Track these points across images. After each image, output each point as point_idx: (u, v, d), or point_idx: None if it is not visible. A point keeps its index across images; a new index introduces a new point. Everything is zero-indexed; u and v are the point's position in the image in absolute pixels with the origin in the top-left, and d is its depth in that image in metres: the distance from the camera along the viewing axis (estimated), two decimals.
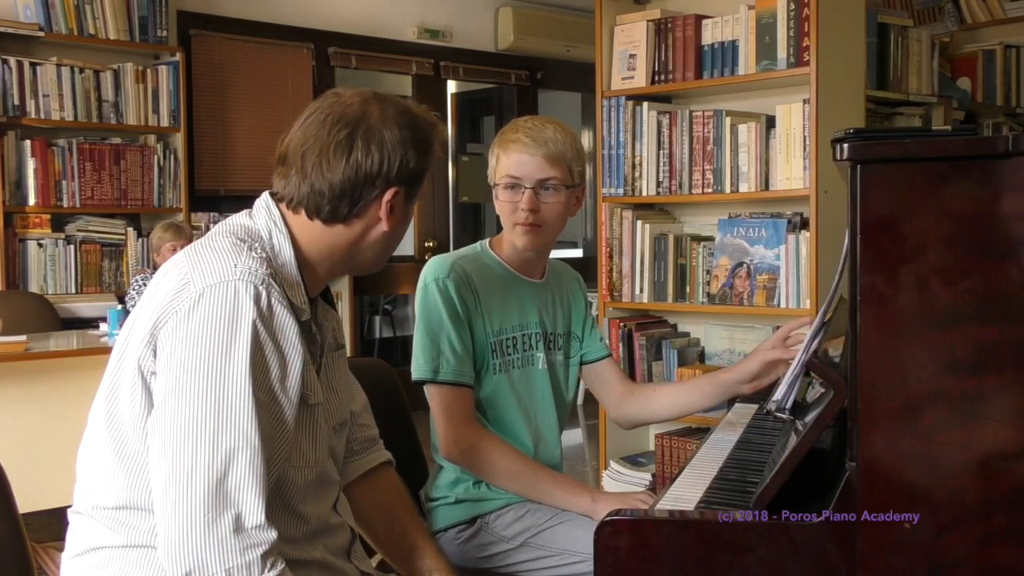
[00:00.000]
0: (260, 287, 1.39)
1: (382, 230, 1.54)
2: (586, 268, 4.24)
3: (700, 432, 3.72)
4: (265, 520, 1.36)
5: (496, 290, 2.11)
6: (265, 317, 1.38)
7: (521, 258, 2.15)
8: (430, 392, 2.05)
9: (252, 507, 1.35)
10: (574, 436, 5.85)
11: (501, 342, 2.10)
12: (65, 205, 5.04)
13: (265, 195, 1.57)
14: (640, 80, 3.90)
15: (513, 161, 2.06)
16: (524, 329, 2.14)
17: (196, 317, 1.36)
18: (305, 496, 1.52)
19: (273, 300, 1.40)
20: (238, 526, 1.34)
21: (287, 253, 1.50)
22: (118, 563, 1.45)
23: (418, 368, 2.05)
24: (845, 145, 1.40)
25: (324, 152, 1.49)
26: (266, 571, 1.35)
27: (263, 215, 1.54)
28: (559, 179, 2.06)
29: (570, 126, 2.18)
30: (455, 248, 6.83)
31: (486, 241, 2.19)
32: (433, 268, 2.07)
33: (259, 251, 1.45)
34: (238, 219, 1.55)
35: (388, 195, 1.51)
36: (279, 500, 1.48)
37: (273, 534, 1.37)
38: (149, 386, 1.39)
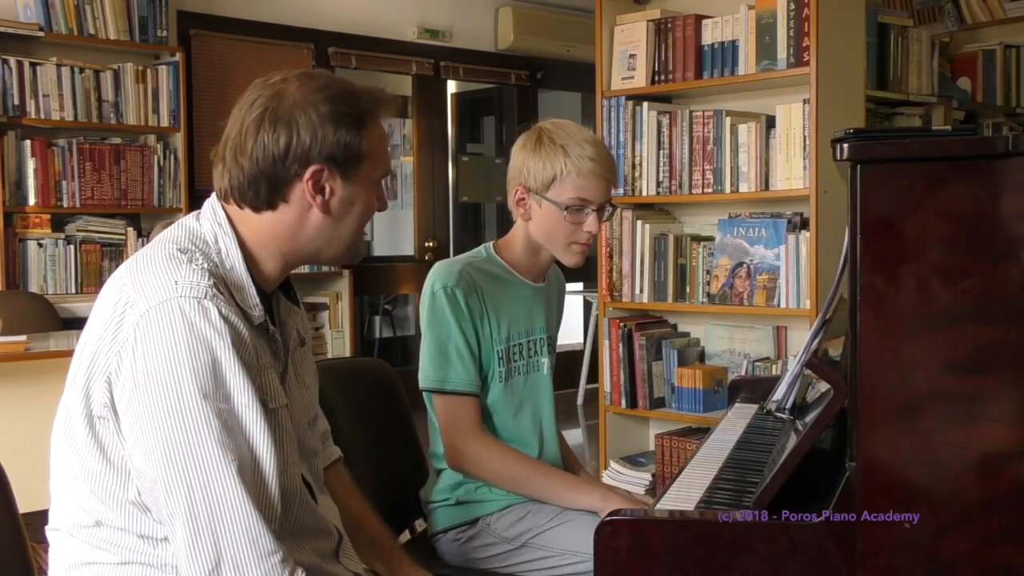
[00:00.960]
0: (205, 301, 1.34)
1: (318, 215, 1.46)
2: (586, 268, 4.26)
3: (700, 432, 3.72)
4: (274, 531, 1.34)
5: (504, 296, 2.10)
6: (217, 330, 1.33)
7: (528, 262, 2.14)
8: (437, 402, 2.04)
9: (258, 523, 1.32)
10: (574, 436, 5.85)
11: (508, 348, 2.10)
12: (65, 205, 5.04)
13: (211, 197, 1.52)
14: (640, 80, 3.90)
15: (588, 184, 2.02)
16: (531, 335, 2.14)
17: (144, 343, 1.31)
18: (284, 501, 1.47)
19: (222, 311, 1.34)
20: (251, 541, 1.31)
21: (235, 255, 1.45)
22: None
23: (426, 378, 2.04)
24: (845, 145, 1.40)
25: (237, 137, 1.45)
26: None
27: (209, 218, 1.48)
28: (610, 199, 2.10)
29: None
30: (455, 248, 6.85)
31: (490, 244, 2.17)
32: (441, 275, 2.04)
33: (200, 261, 1.40)
34: (186, 222, 1.50)
35: (307, 174, 1.42)
36: None
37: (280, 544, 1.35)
38: (105, 417, 1.35)
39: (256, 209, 1.46)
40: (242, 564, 1.31)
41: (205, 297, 1.34)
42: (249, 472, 1.33)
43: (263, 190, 1.44)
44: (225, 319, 1.34)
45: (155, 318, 1.32)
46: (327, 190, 1.45)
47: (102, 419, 1.36)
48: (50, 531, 1.49)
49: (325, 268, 5.50)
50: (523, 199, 2.07)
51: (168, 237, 1.48)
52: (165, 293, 1.34)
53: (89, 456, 1.38)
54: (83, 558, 1.43)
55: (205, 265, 1.40)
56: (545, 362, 2.17)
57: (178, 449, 1.30)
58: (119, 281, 1.41)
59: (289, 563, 1.34)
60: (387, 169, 1.52)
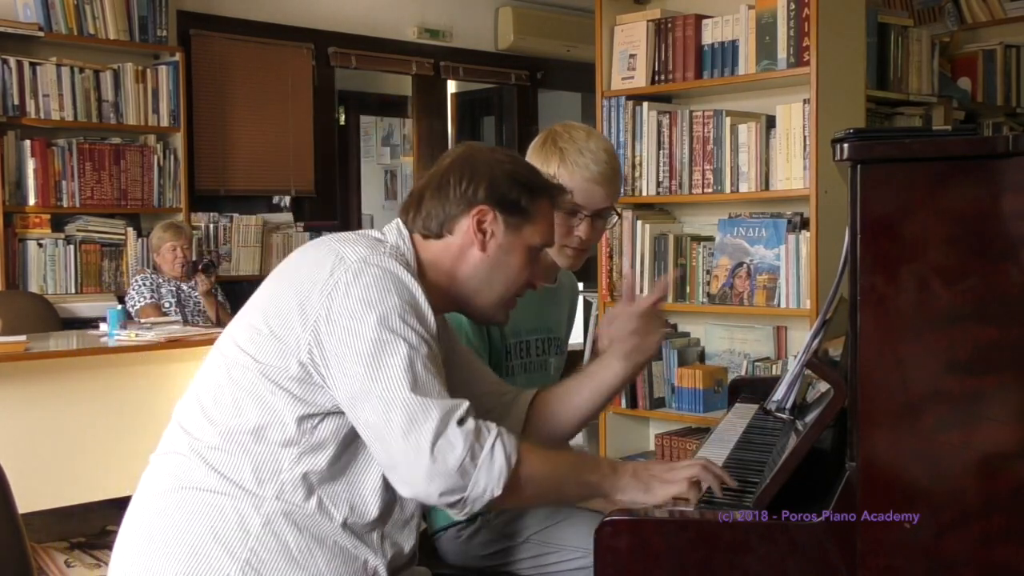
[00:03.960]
0: (408, 268, 1.54)
1: (476, 253, 1.64)
2: (586, 268, 4.25)
3: (700, 432, 3.72)
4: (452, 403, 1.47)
5: None
6: (417, 284, 1.52)
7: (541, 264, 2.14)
8: None
9: (443, 407, 1.45)
10: (574, 437, 5.84)
11: (517, 345, 2.10)
12: (65, 205, 5.04)
13: (396, 219, 1.70)
14: (640, 80, 3.90)
15: (579, 188, 2.01)
16: (539, 334, 2.15)
17: (356, 283, 1.48)
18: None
19: (417, 280, 1.54)
20: (443, 430, 1.43)
21: (411, 261, 1.62)
22: (195, 507, 1.49)
23: None
24: (845, 145, 1.40)
25: (430, 180, 1.67)
26: (489, 435, 1.46)
27: (394, 232, 1.67)
28: (611, 207, 2.07)
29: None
30: None
31: None
32: None
33: (393, 248, 1.60)
34: (369, 232, 1.68)
35: (475, 211, 1.62)
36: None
37: (462, 404, 1.47)
38: (311, 349, 1.48)
39: (426, 236, 1.66)
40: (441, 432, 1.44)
41: (405, 265, 1.55)
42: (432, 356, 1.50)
43: (435, 219, 1.64)
44: (418, 282, 1.53)
45: (365, 267, 1.50)
46: (488, 232, 1.64)
47: (287, 352, 1.49)
48: (157, 456, 1.60)
49: None
50: None
51: (348, 233, 1.66)
52: (374, 252, 1.54)
53: (251, 376, 1.52)
54: (180, 481, 1.52)
55: (394, 249, 1.60)
56: (552, 362, 2.18)
57: (379, 364, 1.45)
58: (323, 245, 1.58)
59: (471, 418, 1.47)
60: (548, 241, 1.71)
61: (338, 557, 1.51)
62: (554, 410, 1.86)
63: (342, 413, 1.50)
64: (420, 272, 1.62)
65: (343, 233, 1.66)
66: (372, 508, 1.54)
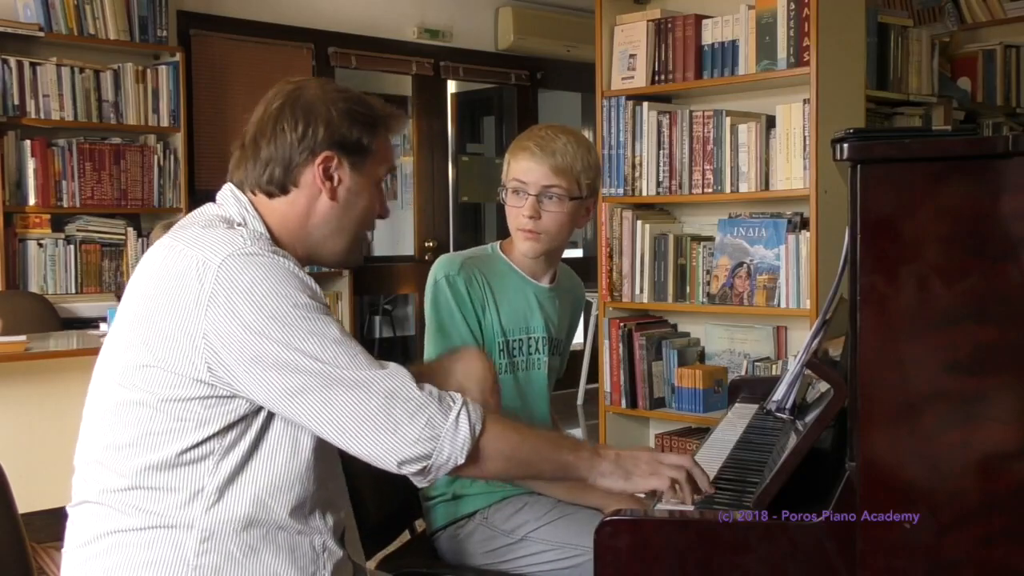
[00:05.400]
0: (270, 247, 1.45)
1: (326, 201, 1.55)
2: (586, 268, 4.25)
3: (700, 432, 3.72)
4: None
5: (505, 291, 2.11)
6: (291, 261, 1.45)
7: (531, 262, 2.15)
8: None
9: (394, 379, 1.42)
10: (574, 436, 5.85)
11: (508, 343, 2.10)
12: (65, 205, 5.03)
13: (227, 185, 1.59)
14: (640, 80, 3.90)
15: (521, 167, 2.07)
16: (530, 332, 2.15)
17: (231, 287, 1.40)
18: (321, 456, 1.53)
19: (287, 255, 1.46)
20: (395, 399, 1.41)
21: (266, 234, 1.54)
22: (128, 548, 1.45)
23: None
24: (845, 145, 1.40)
25: (257, 125, 1.55)
26: (454, 405, 1.44)
27: (232, 203, 1.56)
28: (563, 189, 2.06)
29: (586, 138, 2.18)
30: (455, 248, 6.85)
31: (497, 243, 2.20)
32: (443, 265, 2.08)
33: (246, 230, 1.50)
34: (208, 210, 1.57)
35: (319, 159, 1.53)
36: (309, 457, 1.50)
37: (403, 374, 1.44)
38: (210, 366, 1.41)
39: (270, 195, 1.55)
40: (405, 417, 1.41)
41: (269, 246, 1.46)
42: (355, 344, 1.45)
43: (277, 173, 1.53)
44: (291, 259, 1.46)
45: (233, 264, 1.41)
46: (336, 178, 1.55)
47: (184, 376, 1.41)
48: (74, 507, 1.53)
49: (325, 269, 5.50)
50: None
51: (189, 222, 1.54)
52: (234, 246, 1.43)
53: (150, 413, 1.43)
54: (100, 529, 1.47)
55: (248, 230, 1.50)
56: (544, 361, 2.17)
57: (298, 362, 1.39)
58: (175, 253, 1.46)
59: (423, 385, 1.44)
60: (391, 167, 1.62)
61: (285, 548, 1.47)
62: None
63: (253, 412, 1.45)
64: (272, 237, 1.54)
65: (187, 225, 1.53)
66: (305, 487, 1.49)
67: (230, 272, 1.40)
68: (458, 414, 1.43)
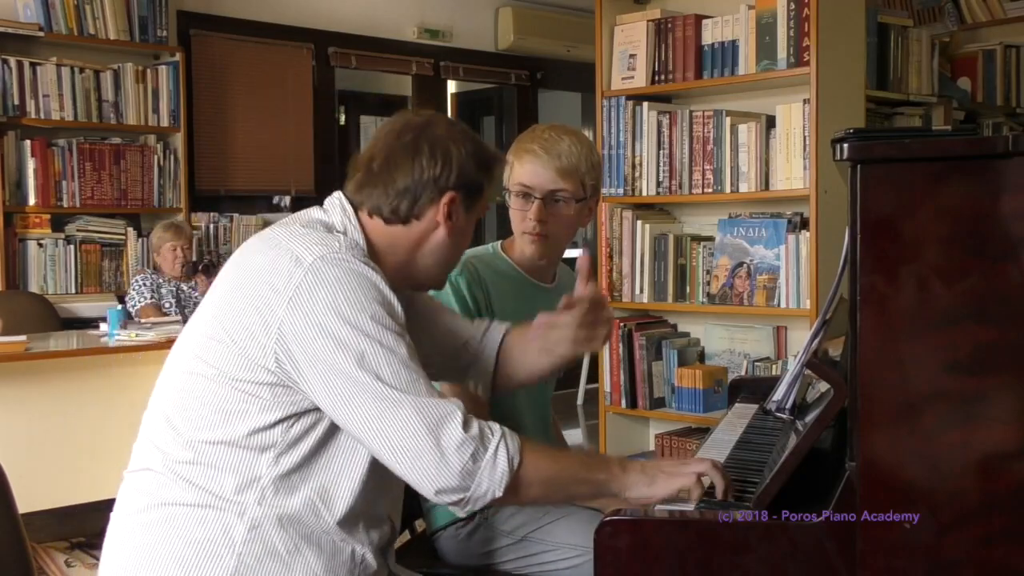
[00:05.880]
0: (363, 259, 1.49)
1: (441, 235, 1.60)
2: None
3: (700, 432, 3.72)
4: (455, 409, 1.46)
5: (507, 292, 2.11)
6: (379, 276, 1.49)
7: (533, 262, 2.15)
8: (444, 389, 2.04)
9: (445, 410, 1.45)
10: (574, 436, 5.85)
11: None
12: (65, 205, 5.04)
13: (338, 193, 1.64)
14: (640, 80, 3.90)
15: (526, 171, 2.07)
16: None
17: (317, 287, 1.43)
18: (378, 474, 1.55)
19: (378, 270, 1.50)
20: (443, 430, 1.43)
21: (363, 247, 1.57)
22: (178, 522, 1.48)
23: None
24: (845, 145, 1.40)
25: (391, 155, 1.59)
26: (493, 438, 1.46)
27: (338, 212, 1.60)
28: (569, 192, 2.07)
29: (587, 137, 2.18)
30: None
31: (498, 243, 2.20)
32: None
33: (344, 237, 1.55)
34: (312, 213, 1.62)
35: (446, 198, 1.58)
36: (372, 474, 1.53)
37: (456, 407, 1.46)
38: (278, 356, 1.44)
39: (389, 222, 1.60)
40: (445, 435, 1.43)
41: (361, 256, 1.51)
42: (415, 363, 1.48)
43: (404, 206, 1.58)
44: (379, 273, 1.50)
45: (324, 267, 1.45)
46: (455, 216, 1.61)
47: (253, 361, 1.45)
48: (130, 472, 1.57)
49: None
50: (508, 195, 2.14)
51: (292, 220, 1.60)
52: (329, 248, 1.47)
53: (217, 388, 1.48)
54: (159, 498, 1.50)
55: (345, 238, 1.55)
56: None
57: (360, 373, 1.42)
58: (273, 243, 1.51)
59: (472, 419, 1.46)
60: (487, 209, 1.71)
61: (327, 551, 1.50)
62: (531, 350, 1.85)
63: (317, 410, 1.48)
64: (371, 251, 1.58)
65: (289, 223, 1.59)
66: (357, 499, 1.52)
67: (319, 273, 1.44)
68: (496, 447, 1.45)
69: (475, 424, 1.46)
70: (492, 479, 1.44)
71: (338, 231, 1.57)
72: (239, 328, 1.46)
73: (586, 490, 1.60)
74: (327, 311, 1.42)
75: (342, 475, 1.51)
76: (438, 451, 1.42)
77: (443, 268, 1.67)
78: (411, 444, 1.42)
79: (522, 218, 2.09)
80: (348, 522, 1.52)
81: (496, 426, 1.48)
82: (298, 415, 1.48)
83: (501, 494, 1.45)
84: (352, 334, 1.42)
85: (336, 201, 1.62)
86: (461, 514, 1.49)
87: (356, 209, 1.60)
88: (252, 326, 1.45)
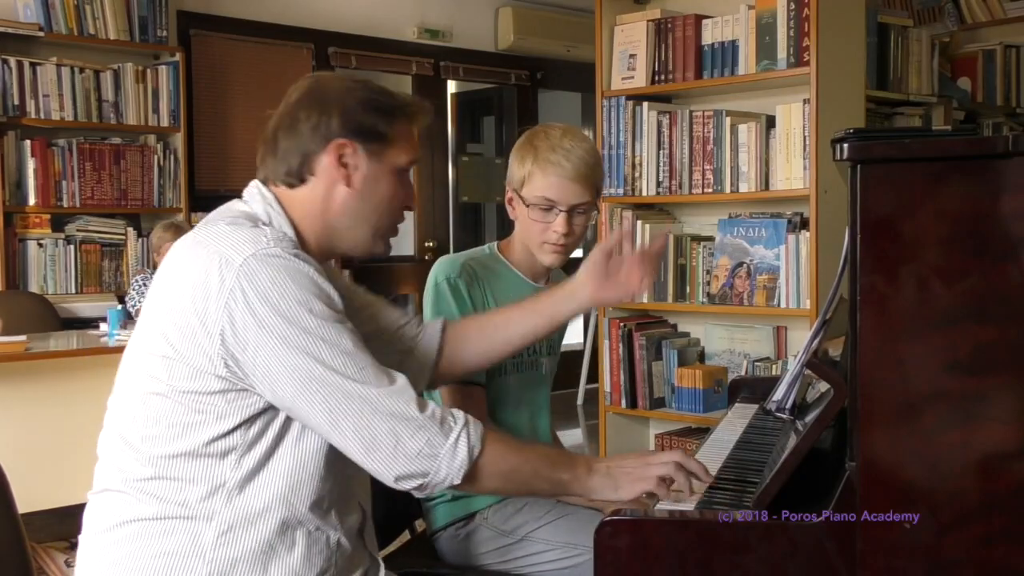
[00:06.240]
0: (293, 250, 1.46)
1: (343, 189, 1.56)
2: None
3: (700, 432, 3.72)
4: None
5: (505, 293, 2.11)
6: (312, 267, 1.46)
7: (530, 264, 2.15)
8: (443, 392, 2.04)
9: (397, 396, 1.44)
10: (574, 436, 5.85)
11: None
12: (65, 205, 5.04)
13: (254, 181, 1.61)
14: (640, 80, 3.90)
15: (551, 183, 2.03)
16: None
17: (252, 287, 1.41)
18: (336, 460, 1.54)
19: (308, 259, 1.47)
20: (398, 416, 1.43)
21: (289, 232, 1.55)
22: (146, 536, 1.46)
23: None
24: (845, 145, 1.40)
25: (279, 121, 1.58)
26: (455, 426, 1.46)
27: (258, 199, 1.58)
28: (590, 203, 2.07)
29: (590, 138, 2.18)
30: (455, 248, 6.85)
31: (494, 244, 2.19)
32: (444, 267, 2.07)
33: (265, 230, 1.51)
34: (234, 206, 1.59)
35: (332, 146, 1.54)
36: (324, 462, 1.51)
37: (408, 392, 1.46)
38: (210, 367, 1.43)
39: (290, 185, 1.57)
40: (405, 435, 1.43)
41: (291, 248, 1.47)
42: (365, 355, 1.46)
43: (294, 164, 1.56)
44: (311, 264, 1.47)
45: (255, 264, 1.42)
46: (351, 164, 1.56)
47: (202, 371, 1.43)
48: (95, 493, 1.55)
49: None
50: (511, 199, 2.11)
51: (216, 218, 1.56)
52: (257, 245, 1.44)
53: (171, 404, 1.46)
54: (121, 516, 1.49)
55: (272, 230, 1.51)
56: (544, 362, 2.18)
57: (309, 367, 1.41)
58: (196, 249, 1.49)
59: (426, 404, 1.46)
60: (413, 158, 1.63)
61: (301, 543, 1.49)
62: (480, 339, 1.83)
63: (272, 408, 1.47)
64: (296, 233, 1.56)
65: (214, 221, 1.55)
66: (323, 485, 1.51)
67: (250, 272, 1.42)
68: (458, 436, 1.45)
69: (430, 407, 1.46)
70: (451, 466, 1.44)
71: (263, 221, 1.54)
72: (182, 340, 1.44)
73: (547, 487, 1.60)
74: (264, 311, 1.41)
75: (305, 463, 1.50)
76: (392, 437, 1.42)
77: (363, 225, 1.60)
78: (366, 433, 1.42)
79: (543, 229, 2.06)
80: (318, 510, 1.51)
81: (460, 414, 1.48)
82: (253, 417, 1.46)
83: (459, 481, 1.46)
84: (292, 331, 1.41)
85: (254, 189, 1.60)
86: (418, 495, 1.49)
87: (270, 187, 1.58)
88: (196, 336, 1.43)
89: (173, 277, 1.50)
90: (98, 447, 1.56)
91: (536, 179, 2.05)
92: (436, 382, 1.87)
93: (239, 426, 1.46)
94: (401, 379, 1.47)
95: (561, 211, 2.04)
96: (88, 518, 1.55)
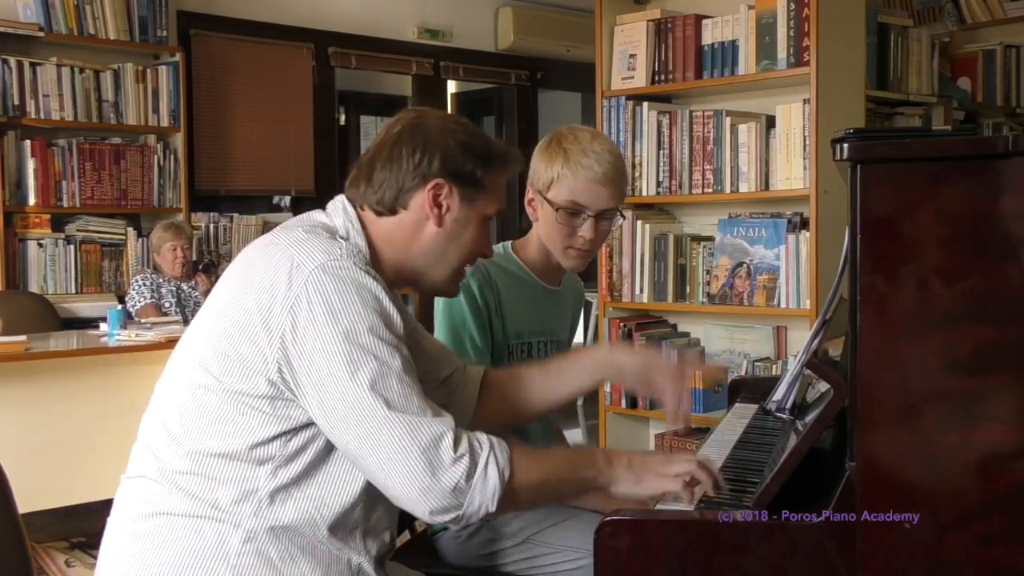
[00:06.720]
0: (364, 267, 1.47)
1: (432, 228, 1.58)
2: (587, 268, 4.22)
3: (700, 432, 3.72)
4: (445, 429, 1.43)
5: (518, 295, 2.10)
6: (379, 284, 1.47)
7: (545, 265, 2.14)
8: None
9: (437, 430, 1.42)
10: (574, 436, 5.85)
11: (519, 346, 2.10)
12: (65, 205, 5.04)
13: (340, 196, 1.63)
14: (640, 80, 3.90)
15: (582, 188, 2.01)
16: (541, 336, 2.14)
17: (318, 296, 1.42)
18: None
19: (377, 277, 1.48)
20: (435, 449, 1.41)
21: (364, 249, 1.56)
22: (174, 531, 1.47)
23: None
24: (845, 145, 1.40)
25: (379, 150, 1.59)
26: (482, 452, 1.44)
27: (340, 215, 1.60)
28: (616, 207, 2.07)
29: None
30: None
31: (508, 244, 2.17)
32: None
33: (345, 243, 1.52)
34: (315, 216, 1.61)
35: (430, 185, 1.56)
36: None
37: (447, 424, 1.44)
38: (280, 367, 1.43)
39: (379, 213, 1.59)
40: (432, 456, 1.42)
41: (363, 263, 1.49)
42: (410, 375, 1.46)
43: (388, 195, 1.57)
44: (379, 282, 1.47)
45: (324, 276, 1.43)
46: (444, 206, 1.58)
47: (255, 371, 1.44)
48: (128, 478, 1.56)
49: None
50: (532, 199, 2.09)
51: (296, 224, 1.58)
52: (330, 256, 1.45)
53: (218, 401, 1.46)
54: (155, 507, 1.49)
55: (347, 244, 1.52)
56: None
57: (356, 386, 1.40)
58: (270, 250, 1.50)
59: (462, 435, 1.45)
60: (500, 208, 1.65)
61: (323, 562, 1.49)
62: (521, 396, 1.83)
63: (315, 424, 1.47)
64: (373, 253, 1.57)
65: (292, 227, 1.57)
66: (354, 511, 1.51)
67: (318, 281, 1.42)
68: (486, 463, 1.44)
69: (465, 440, 1.44)
70: (484, 495, 1.43)
71: (340, 235, 1.56)
72: (242, 336, 1.44)
73: (575, 489, 1.62)
74: (325, 322, 1.41)
75: (340, 488, 1.50)
76: (429, 472, 1.40)
77: (443, 265, 1.63)
78: (402, 467, 1.40)
79: (568, 233, 2.04)
80: (345, 533, 1.51)
81: (484, 438, 1.47)
82: (296, 429, 1.46)
83: (494, 508, 1.44)
84: (348, 347, 1.41)
85: (338, 204, 1.61)
86: (454, 528, 1.48)
87: (356, 208, 1.60)
88: (256, 334, 1.43)
89: (243, 274, 1.51)
90: (140, 428, 1.57)
91: (566, 182, 2.02)
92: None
93: (281, 435, 1.45)
94: (444, 413, 1.46)
95: (589, 216, 2.03)
96: (119, 503, 1.55)
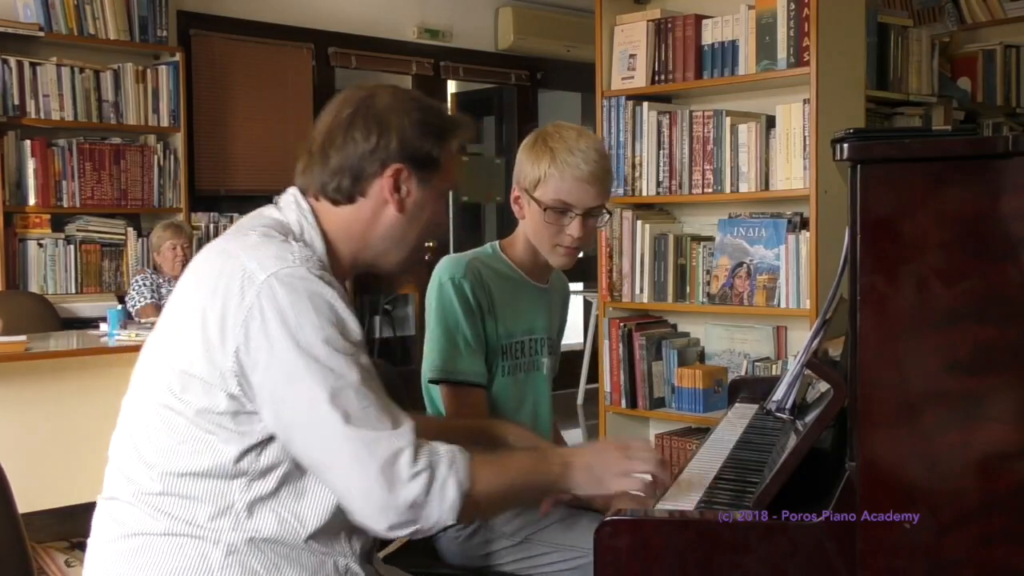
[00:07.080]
0: (317, 271, 1.44)
1: (391, 212, 1.55)
2: (586, 268, 4.24)
3: (700, 432, 3.72)
4: (405, 438, 1.41)
5: (508, 294, 2.10)
6: (335, 291, 1.44)
7: (533, 264, 2.14)
8: (446, 392, 2.04)
9: (395, 444, 1.39)
10: (574, 436, 5.85)
11: (511, 345, 2.10)
12: (65, 205, 5.04)
13: (292, 189, 1.59)
14: (640, 80, 3.90)
15: (569, 187, 2.01)
16: (532, 334, 2.15)
17: (271, 308, 1.39)
18: None
19: (332, 281, 1.45)
20: (392, 466, 1.38)
21: (319, 246, 1.54)
22: (155, 551, 1.45)
23: (432, 368, 2.03)
24: (845, 145, 1.40)
25: (327, 134, 1.54)
26: (440, 465, 1.41)
27: (293, 209, 1.56)
28: (603, 205, 2.07)
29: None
30: (455, 249, 6.85)
31: (496, 243, 2.17)
32: (448, 267, 2.05)
33: (294, 244, 1.49)
34: (267, 212, 1.57)
35: (390, 171, 1.52)
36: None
37: (406, 438, 1.40)
38: (223, 384, 1.41)
39: (335, 203, 1.55)
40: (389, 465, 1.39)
41: (317, 267, 1.45)
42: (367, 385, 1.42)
43: (345, 183, 1.53)
44: (335, 288, 1.44)
45: (278, 284, 1.40)
46: (404, 190, 1.55)
47: (213, 386, 1.41)
48: (105, 500, 1.53)
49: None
50: (519, 198, 2.09)
51: (248, 224, 1.54)
52: (282, 263, 1.42)
53: (184, 421, 1.43)
54: (129, 529, 1.47)
55: (304, 251, 1.48)
56: (545, 362, 2.18)
57: (311, 399, 1.38)
58: (223, 258, 1.46)
59: (421, 448, 1.42)
60: (456, 183, 1.63)
61: (308, 568, 1.47)
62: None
63: None
64: (328, 246, 1.54)
65: (244, 229, 1.53)
66: (333, 514, 1.48)
67: (271, 292, 1.39)
68: (445, 479, 1.41)
69: (425, 453, 1.41)
70: (442, 509, 1.41)
71: (294, 232, 1.52)
72: (199, 354, 1.41)
73: (532, 495, 1.61)
74: (278, 335, 1.38)
75: (318, 496, 1.47)
76: (387, 489, 1.37)
77: (402, 249, 1.60)
78: (359, 484, 1.38)
79: (556, 232, 2.04)
80: (328, 536, 1.49)
81: (443, 449, 1.43)
82: (264, 442, 1.44)
83: (453, 520, 1.42)
84: (303, 360, 1.38)
85: (290, 197, 1.57)
86: (415, 538, 1.47)
87: (309, 198, 1.56)
88: (211, 351, 1.41)
89: (196, 286, 1.48)
90: (110, 448, 1.55)
91: (553, 181, 2.02)
92: None
93: (249, 450, 1.43)
94: (404, 424, 1.42)
95: (577, 214, 2.03)
96: (97, 524, 1.54)
